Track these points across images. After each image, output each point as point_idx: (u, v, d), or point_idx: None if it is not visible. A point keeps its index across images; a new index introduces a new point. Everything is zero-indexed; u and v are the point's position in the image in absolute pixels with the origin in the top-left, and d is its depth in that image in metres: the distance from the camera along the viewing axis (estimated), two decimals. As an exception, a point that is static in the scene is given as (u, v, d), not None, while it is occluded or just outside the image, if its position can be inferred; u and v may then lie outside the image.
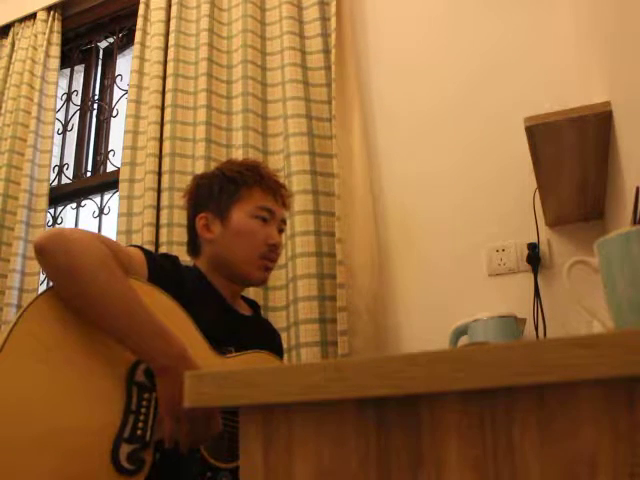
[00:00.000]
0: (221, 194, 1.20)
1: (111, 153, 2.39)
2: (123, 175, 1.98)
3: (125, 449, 0.86)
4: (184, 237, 1.30)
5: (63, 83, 2.57)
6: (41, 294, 0.88)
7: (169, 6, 2.14)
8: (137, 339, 0.89)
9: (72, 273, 0.88)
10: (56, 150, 2.42)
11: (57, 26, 2.47)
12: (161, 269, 1.04)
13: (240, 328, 1.18)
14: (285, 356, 1.55)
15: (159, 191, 1.89)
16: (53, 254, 0.88)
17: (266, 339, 1.28)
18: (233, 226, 1.18)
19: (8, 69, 2.47)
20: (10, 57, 2.50)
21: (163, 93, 2.01)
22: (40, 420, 0.80)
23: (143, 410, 0.91)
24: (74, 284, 0.88)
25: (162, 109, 1.99)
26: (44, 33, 2.44)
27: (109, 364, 0.90)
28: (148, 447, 0.89)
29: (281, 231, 1.26)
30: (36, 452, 0.78)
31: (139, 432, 0.89)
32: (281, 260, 1.60)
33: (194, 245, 1.23)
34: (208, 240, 1.19)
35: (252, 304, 1.33)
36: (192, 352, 0.93)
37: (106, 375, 0.89)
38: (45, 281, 2.29)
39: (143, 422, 0.90)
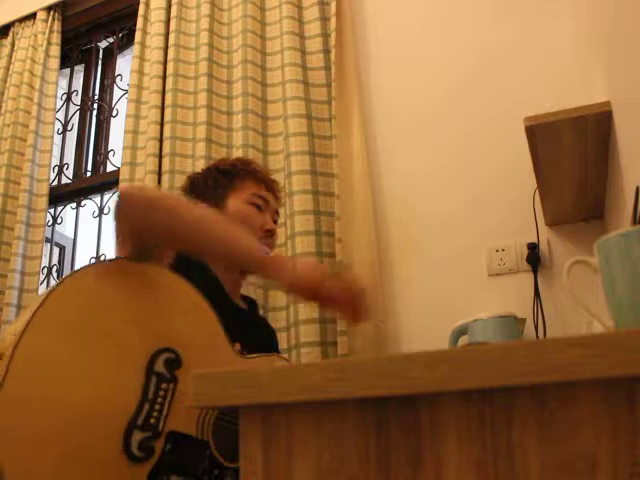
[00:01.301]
0: (216, 186, 1.24)
1: (111, 153, 2.39)
2: (123, 175, 1.98)
3: (137, 436, 0.86)
4: (184, 237, 1.30)
5: (63, 83, 2.57)
6: (67, 277, 0.88)
7: (169, 6, 2.14)
8: (233, 246, 0.95)
9: (159, 203, 0.95)
10: (56, 150, 2.42)
11: (57, 26, 2.47)
12: (185, 259, 1.06)
13: (242, 323, 1.18)
14: (285, 356, 1.55)
15: (159, 191, 1.89)
16: (139, 192, 0.96)
17: (267, 336, 1.29)
18: (229, 212, 1.21)
19: (8, 69, 2.47)
20: (10, 57, 2.50)
21: (163, 93, 2.01)
22: (57, 398, 0.80)
23: (159, 400, 0.91)
24: (167, 211, 0.94)
25: (162, 109, 1.99)
26: (44, 33, 2.44)
27: (130, 351, 0.90)
28: (160, 437, 0.90)
29: (275, 222, 1.29)
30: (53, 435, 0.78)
31: (152, 421, 0.89)
32: (281, 260, 1.60)
33: None
34: None
35: (247, 300, 1.34)
36: (216, 350, 0.96)
37: (126, 362, 0.89)
38: (45, 281, 2.29)
39: (158, 412, 0.90)
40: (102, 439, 0.83)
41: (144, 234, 0.95)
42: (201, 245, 0.97)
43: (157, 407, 0.90)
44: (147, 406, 0.89)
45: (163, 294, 0.96)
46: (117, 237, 0.96)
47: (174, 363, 0.93)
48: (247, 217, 1.21)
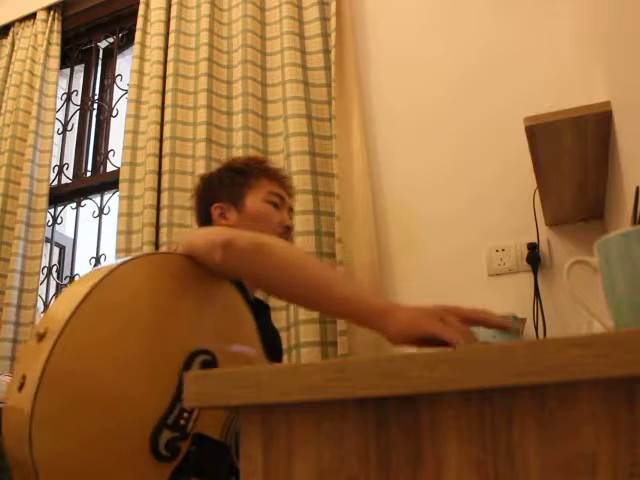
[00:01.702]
0: (232, 185, 1.25)
1: (111, 153, 2.39)
2: (123, 175, 1.98)
3: (166, 435, 0.85)
4: (184, 237, 1.30)
5: (63, 83, 2.57)
6: (125, 262, 0.87)
7: (169, 6, 2.14)
8: (349, 298, 0.84)
9: (264, 252, 0.89)
10: (56, 150, 2.42)
11: (57, 26, 2.47)
12: None
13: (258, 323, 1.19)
14: (285, 356, 1.55)
15: (159, 191, 1.89)
16: (241, 239, 0.90)
17: (271, 335, 1.29)
18: (249, 211, 1.22)
19: (8, 69, 2.48)
20: (10, 57, 2.50)
21: (163, 93, 2.01)
22: (93, 377, 0.80)
23: None
24: (269, 259, 0.89)
25: (162, 109, 1.99)
26: (44, 33, 2.44)
27: (170, 347, 0.89)
28: (186, 439, 0.89)
29: (290, 219, 1.30)
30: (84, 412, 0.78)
31: (182, 422, 0.88)
32: (281, 260, 1.60)
33: None
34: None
35: (258, 301, 1.34)
36: (251, 361, 0.96)
37: (165, 358, 0.88)
38: (45, 280, 2.29)
39: (188, 413, 0.89)
40: (130, 430, 0.82)
41: (241, 276, 0.96)
42: (311, 299, 0.89)
43: (188, 408, 0.89)
44: (179, 406, 0.88)
45: (212, 298, 0.97)
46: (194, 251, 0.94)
47: (210, 366, 0.92)
48: (266, 215, 1.22)
